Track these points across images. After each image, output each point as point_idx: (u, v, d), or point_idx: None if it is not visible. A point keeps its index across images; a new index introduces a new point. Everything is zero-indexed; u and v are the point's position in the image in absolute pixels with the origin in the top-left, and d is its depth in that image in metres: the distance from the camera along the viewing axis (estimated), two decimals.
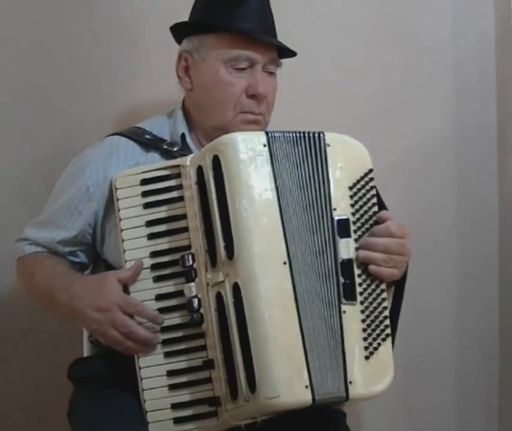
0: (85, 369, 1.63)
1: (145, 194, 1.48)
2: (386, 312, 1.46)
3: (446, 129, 2.14)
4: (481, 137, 2.15)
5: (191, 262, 1.44)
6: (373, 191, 1.49)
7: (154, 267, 1.46)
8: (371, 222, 1.48)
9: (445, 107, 2.14)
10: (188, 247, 1.45)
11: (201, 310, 1.43)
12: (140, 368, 1.44)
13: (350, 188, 1.47)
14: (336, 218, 1.44)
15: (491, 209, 2.15)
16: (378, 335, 1.44)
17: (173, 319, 1.45)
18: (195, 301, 1.43)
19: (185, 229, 1.45)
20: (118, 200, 1.49)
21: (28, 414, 2.06)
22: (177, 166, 1.47)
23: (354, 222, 1.46)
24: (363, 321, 1.43)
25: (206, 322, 1.42)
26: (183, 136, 1.63)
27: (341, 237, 1.44)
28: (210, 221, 1.41)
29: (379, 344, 1.44)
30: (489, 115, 2.14)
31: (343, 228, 1.44)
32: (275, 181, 1.41)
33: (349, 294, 1.43)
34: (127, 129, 1.67)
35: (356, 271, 1.45)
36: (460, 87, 2.14)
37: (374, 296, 1.46)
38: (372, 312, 1.45)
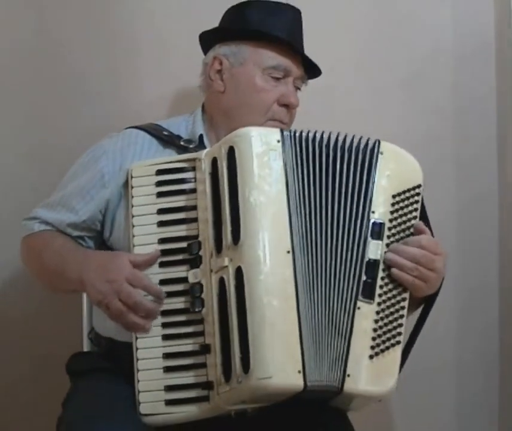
0: (83, 362, 1.65)
1: (159, 183, 1.52)
2: (402, 320, 1.46)
3: (446, 129, 2.13)
4: (481, 138, 2.13)
5: (197, 250, 1.47)
6: (416, 206, 1.52)
7: (161, 253, 1.49)
8: (407, 233, 1.50)
9: (444, 107, 2.13)
10: (196, 237, 1.48)
11: (203, 296, 1.45)
12: (137, 349, 1.46)
13: (394, 196, 1.50)
14: (372, 220, 1.48)
15: (491, 212, 2.16)
16: (388, 339, 1.44)
17: (175, 304, 1.47)
18: (198, 287, 1.46)
19: (195, 220, 1.49)
20: (132, 188, 1.52)
21: (27, 412, 2.06)
22: (193, 159, 1.52)
23: (389, 229, 1.49)
24: (376, 321, 1.44)
25: (206, 307, 1.44)
26: (201, 137, 1.66)
27: (373, 238, 1.47)
28: (219, 210, 1.45)
29: (387, 347, 1.44)
30: (489, 116, 2.13)
31: (377, 231, 1.48)
32: (286, 175, 1.46)
33: (368, 292, 1.45)
34: (145, 124, 1.69)
35: (381, 273, 1.46)
36: (460, 88, 2.12)
37: (393, 301, 1.47)
38: (387, 315, 1.45)
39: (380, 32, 2.10)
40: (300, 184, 1.47)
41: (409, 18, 2.10)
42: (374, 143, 1.52)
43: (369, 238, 1.47)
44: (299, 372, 1.37)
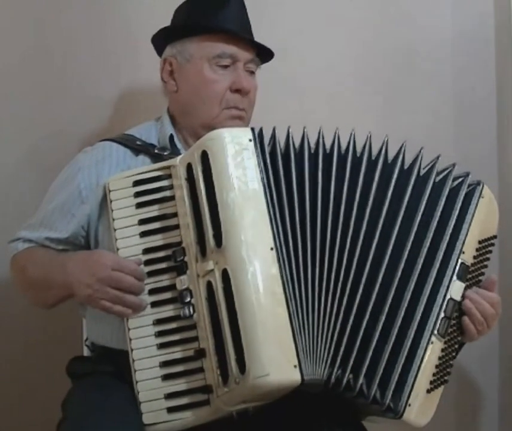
0: (83, 365, 1.65)
1: (137, 194, 1.53)
2: (454, 360, 1.53)
3: (445, 129, 2.13)
4: (481, 138, 2.14)
5: (182, 256, 1.48)
6: (489, 255, 1.58)
7: (146, 263, 1.50)
8: (477, 279, 1.55)
9: (444, 106, 2.13)
10: (179, 243, 1.49)
11: (193, 301, 1.46)
12: (134, 360, 1.47)
13: (480, 242, 1.55)
14: (460, 260, 1.51)
15: None
16: (442, 375, 1.49)
17: (166, 312, 1.48)
18: (187, 293, 1.46)
19: (176, 227, 1.50)
20: (111, 201, 1.53)
21: (27, 413, 2.07)
22: (168, 167, 1.53)
23: (470, 272, 1.53)
24: (439, 358, 1.48)
25: (197, 312, 1.46)
26: (171, 137, 1.68)
27: (458, 278, 1.51)
28: (199, 214, 1.46)
29: (440, 383, 1.49)
30: (489, 116, 2.13)
31: (463, 272, 1.51)
32: (260, 172, 1.46)
33: (443, 329, 1.49)
34: (118, 135, 1.71)
35: (455, 314, 1.51)
36: (460, 88, 2.13)
37: (454, 340, 1.52)
38: (447, 354, 1.50)
39: (380, 32, 2.10)
40: (283, 180, 1.48)
41: (409, 18, 2.10)
42: (477, 186, 1.56)
43: (455, 277, 1.50)
44: (295, 366, 1.38)
